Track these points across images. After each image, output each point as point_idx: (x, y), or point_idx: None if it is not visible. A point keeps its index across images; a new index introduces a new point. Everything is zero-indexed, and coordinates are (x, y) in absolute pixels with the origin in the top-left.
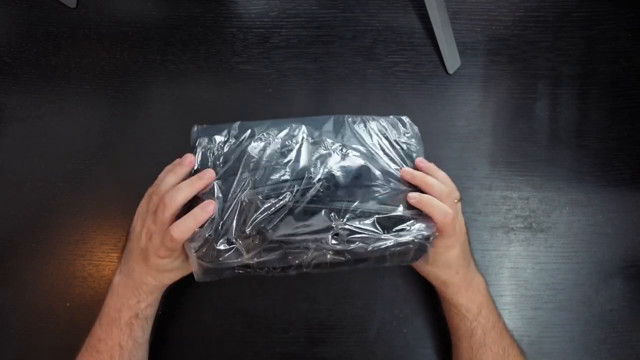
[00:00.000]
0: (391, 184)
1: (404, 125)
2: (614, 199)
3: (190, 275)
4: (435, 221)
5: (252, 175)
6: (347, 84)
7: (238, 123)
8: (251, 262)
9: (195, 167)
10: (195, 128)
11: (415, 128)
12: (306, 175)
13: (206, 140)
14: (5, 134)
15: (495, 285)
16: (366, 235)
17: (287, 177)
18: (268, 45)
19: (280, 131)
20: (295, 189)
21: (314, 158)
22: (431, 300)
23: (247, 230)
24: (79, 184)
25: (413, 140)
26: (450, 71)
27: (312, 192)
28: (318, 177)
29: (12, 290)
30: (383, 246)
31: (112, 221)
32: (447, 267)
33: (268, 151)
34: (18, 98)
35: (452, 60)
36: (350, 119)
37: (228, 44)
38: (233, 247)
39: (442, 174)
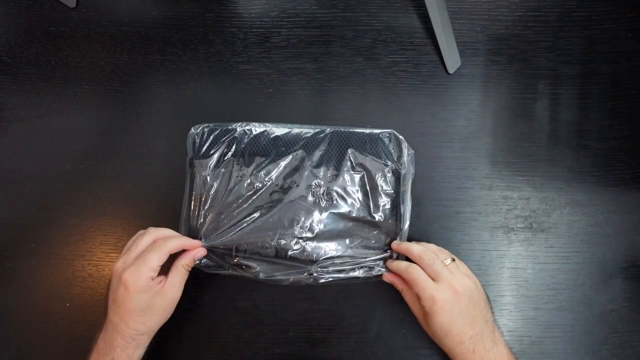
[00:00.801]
0: (364, 231)
1: (399, 145)
2: (614, 198)
3: (193, 274)
4: (402, 276)
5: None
6: (347, 84)
7: (235, 130)
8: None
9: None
10: (192, 130)
11: (410, 152)
12: (289, 230)
13: (200, 164)
14: (5, 134)
15: (495, 285)
16: (334, 278)
17: (270, 242)
18: (268, 45)
19: (274, 169)
20: (279, 243)
21: (299, 213)
22: None
23: (235, 261)
24: (79, 184)
25: (403, 169)
26: (450, 71)
27: (294, 247)
28: (301, 233)
29: (12, 290)
30: (347, 278)
31: (112, 221)
32: (445, 333)
33: (258, 195)
34: (18, 98)
35: (452, 60)
36: (348, 152)
37: (228, 44)
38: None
39: (421, 246)
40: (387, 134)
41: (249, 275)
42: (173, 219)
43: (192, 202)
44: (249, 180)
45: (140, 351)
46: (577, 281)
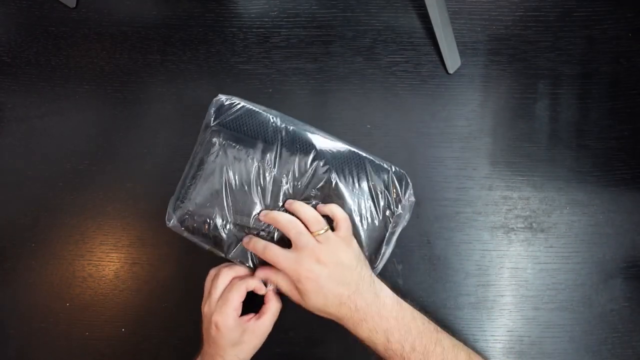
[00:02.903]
0: None
1: (404, 188)
2: (614, 199)
3: (188, 272)
4: (260, 257)
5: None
6: (347, 84)
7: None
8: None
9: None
10: (220, 96)
11: (412, 200)
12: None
13: (216, 131)
14: (5, 134)
15: (495, 285)
16: None
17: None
18: (268, 45)
19: (280, 163)
20: (259, 233)
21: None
22: (431, 301)
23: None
24: (79, 184)
25: (400, 210)
26: (450, 71)
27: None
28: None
29: (12, 290)
30: None
31: (112, 221)
32: (323, 301)
33: (257, 181)
34: (18, 98)
35: (452, 60)
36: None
37: (228, 44)
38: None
39: (303, 210)
40: (399, 172)
41: (218, 250)
42: None
43: (193, 165)
44: (255, 165)
45: None
46: (577, 281)
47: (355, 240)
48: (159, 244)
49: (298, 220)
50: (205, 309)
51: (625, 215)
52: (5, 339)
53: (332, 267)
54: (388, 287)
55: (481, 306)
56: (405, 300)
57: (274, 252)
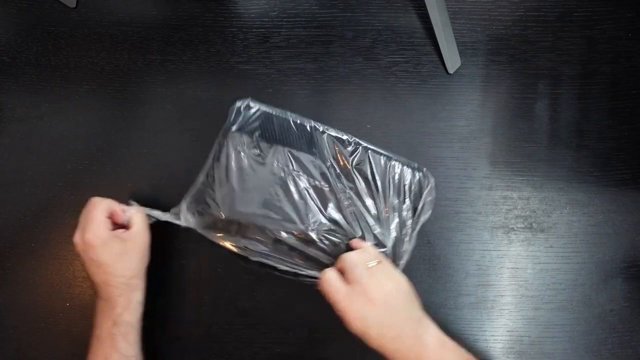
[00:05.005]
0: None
1: (427, 183)
2: (614, 199)
3: (188, 272)
4: None
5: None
6: (347, 84)
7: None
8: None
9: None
10: (237, 104)
11: (433, 195)
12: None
13: (236, 137)
14: (5, 133)
15: (495, 285)
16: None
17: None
18: (268, 45)
19: (302, 168)
20: (280, 234)
21: (307, 212)
22: (431, 301)
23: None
24: (79, 184)
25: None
26: (451, 71)
27: (292, 242)
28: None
29: (12, 290)
30: None
31: None
32: (364, 337)
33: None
34: (18, 98)
35: (452, 60)
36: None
37: (228, 44)
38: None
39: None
40: (421, 169)
41: (241, 249)
42: None
43: (214, 171)
44: (275, 172)
45: (139, 294)
46: (577, 281)
47: (404, 276)
48: (159, 243)
49: (352, 254)
50: (77, 239)
51: (625, 215)
52: (5, 339)
53: (380, 309)
54: (436, 325)
55: (481, 306)
56: (454, 339)
57: (328, 283)
